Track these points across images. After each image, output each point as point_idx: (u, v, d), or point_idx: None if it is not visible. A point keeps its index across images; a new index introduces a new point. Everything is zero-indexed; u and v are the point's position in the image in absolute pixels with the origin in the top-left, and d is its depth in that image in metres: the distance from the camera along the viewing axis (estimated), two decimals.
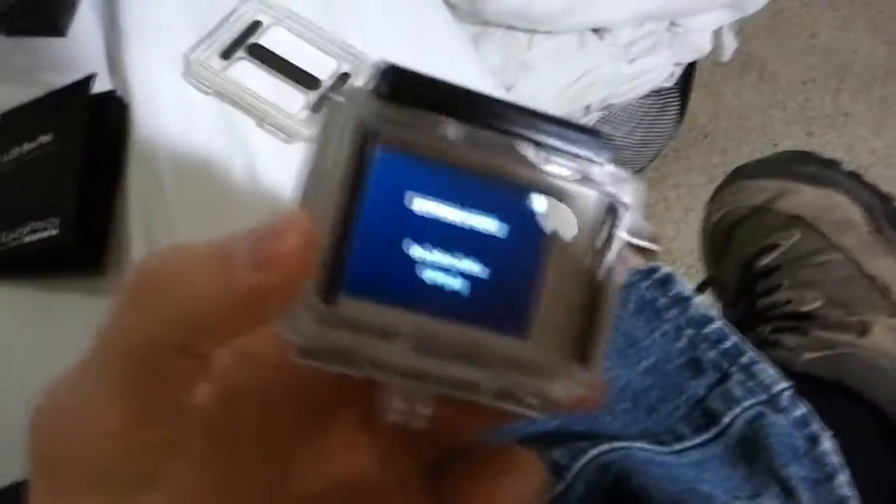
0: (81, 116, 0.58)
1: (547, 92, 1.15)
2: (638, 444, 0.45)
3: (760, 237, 0.64)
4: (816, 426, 0.44)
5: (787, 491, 0.41)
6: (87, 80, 0.59)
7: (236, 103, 0.61)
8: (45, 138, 0.58)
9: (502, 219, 0.22)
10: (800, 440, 0.44)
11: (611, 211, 0.22)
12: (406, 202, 0.21)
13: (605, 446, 0.44)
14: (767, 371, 0.47)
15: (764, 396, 0.46)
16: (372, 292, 0.21)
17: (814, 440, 0.44)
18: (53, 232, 0.53)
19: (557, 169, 0.22)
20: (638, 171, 1.48)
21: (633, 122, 1.34)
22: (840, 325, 0.51)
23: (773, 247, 0.62)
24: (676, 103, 1.40)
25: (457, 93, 0.21)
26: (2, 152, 0.59)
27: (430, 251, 0.21)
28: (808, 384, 0.48)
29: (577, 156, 0.22)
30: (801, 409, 0.45)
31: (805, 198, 0.65)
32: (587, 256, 0.22)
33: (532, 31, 1.17)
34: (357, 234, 0.21)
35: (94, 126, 0.58)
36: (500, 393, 0.22)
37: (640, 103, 1.32)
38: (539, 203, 0.22)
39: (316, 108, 0.60)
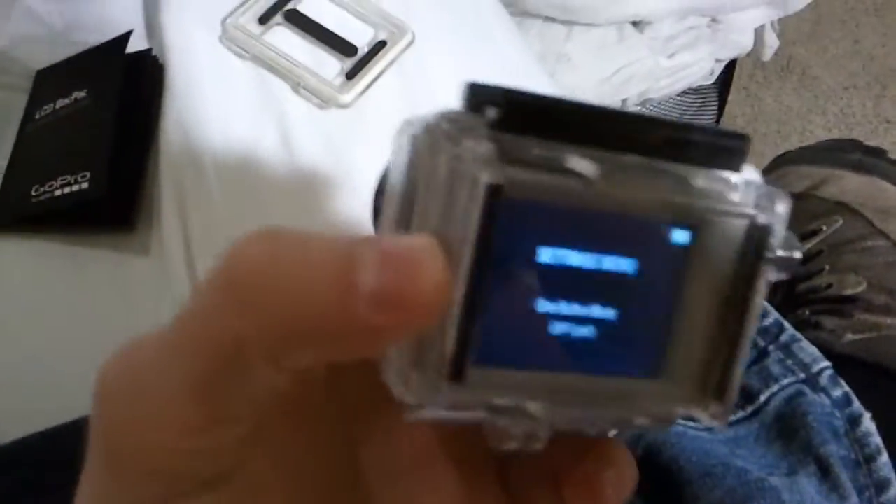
0: (117, 74, 0.57)
1: (584, 85, 1.14)
2: None
3: (803, 223, 0.62)
4: (857, 406, 0.43)
5: (825, 469, 0.40)
6: (124, 38, 0.59)
7: (272, 68, 0.60)
8: (79, 94, 0.57)
9: (638, 256, 0.20)
10: (839, 420, 0.42)
11: (757, 234, 0.20)
12: (534, 255, 0.19)
13: None
14: (807, 350, 0.45)
15: (803, 375, 0.44)
16: (500, 359, 0.19)
17: (854, 420, 0.42)
18: (84, 186, 0.52)
19: (700, 192, 0.20)
20: None
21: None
22: (884, 308, 0.50)
23: (816, 232, 0.60)
24: (715, 102, 1.38)
25: (580, 113, 0.19)
26: (36, 108, 0.59)
27: (559, 303, 0.19)
28: (849, 366, 0.46)
29: (719, 171, 0.20)
30: (842, 389, 0.43)
31: (849, 184, 0.63)
32: (728, 284, 0.20)
33: (571, 23, 1.15)
34: (486, 300, 0.18)
35: (129, 84, 0.57)
36: (620, 422, 0.21)
37: (678, 100, 1.30)
38: (680, 236, 0.20)
39: (351, 74, 0.60)
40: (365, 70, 0.60)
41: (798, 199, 0.65)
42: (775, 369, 0.45)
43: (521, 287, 0.19)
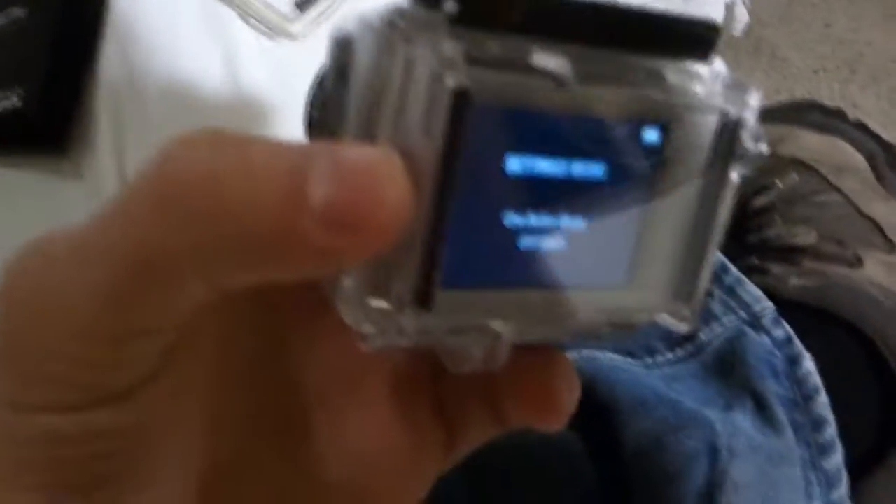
0: None
1: None
2: (608, 355, 0.42)
3: (757, 179, 0.61)
4: (798, 347, 0.42)
5: (761, 405, 0.39)
6: None
7: None
8: (17, 12, 0.55)
9: (608, 160, 0.18)
10: (779, 360, 0.41)
11: (729, 129, 0.19)
12: (502, 165, 0.17)
13: (573, 354, 0.42)
14: (751, 292, 0.44)
15: (745, 315, 0.43)
16: (467, 281, 0.18)
17: (794, 361, 0.41)
18: (16, 102, 0.50)
19: (671, 88, 0.18)
20: None
21: None
22: (833, 256, 0.49)
23: (770, 187, 0.59)
24: None
25: (545, 3, 0.17)
26: None
27: (528, 216, 0.18)
28: (793, 310, 0.46)
29: (690, 62, 0.18)
30: (784, 330, 0.43)
31: (807, 142, 0.62)
32: (699, 183, 0.19)
33: None
34: (454, 218, 0.16)
35: (69, 3, 0.55)
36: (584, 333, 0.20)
37: None
38: (651, 135, 0.19)
39: (302, 5, 0.58)
40: (317, 0, 0.58)
41: None
42: (717, 309, 0.44)
43: (490, 201, 0.17)
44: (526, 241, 0.18)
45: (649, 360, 0.43)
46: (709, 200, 0.19)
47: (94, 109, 0.55)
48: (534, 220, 0.18)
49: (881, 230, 0.53)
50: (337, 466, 0.21)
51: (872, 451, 0.43)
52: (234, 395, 0.20)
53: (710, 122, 0.19)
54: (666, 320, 0.20)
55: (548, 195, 0.18)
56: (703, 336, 0.43)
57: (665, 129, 0.19)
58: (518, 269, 0.18)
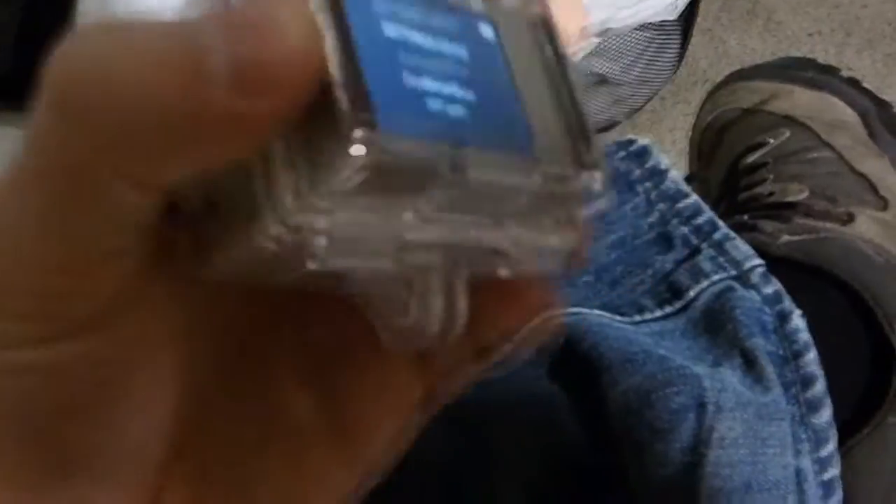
0: None
1: None
2: (596, 312, 0.42)
3: (749, 136, 0.61)
4: (787, 303, 0.41)
5: (750, 362, 0.38)
6: None
7: None
8: None
9: (466, 45, 0.19)
10: (769, 316, 0.41)
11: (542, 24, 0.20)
12: (383, 30, 0.17)
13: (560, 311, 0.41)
14: (740, 248, 0.44)
15: (734, 272, 0.43)
16: (400, 126, 0.16)
17: (783, 317, 0.41)
18: None
19: None
20: (635, 111, 1.44)
21: (631, 55, 1.30)
22: (824, 213, 0.48)
23: (762, 144, 0.59)
24: (677, 41, 1.36)
25: None
26: None
27: (422, 79, 0.17)
28: (784, 267, 0.45)
29: None
30: (773, 287, 0.42)
31: (799, 99, 0.61)
32: (539, 60, 0.20)
33: None
34: (361, 61, 0.16)
35: None
36: (522, 253, 0.18)
37: (640, 36, 1.28)
38: (487, 31, 0.19)
39: None
40: None
41: (747, 113, 0.63)
42: (706, 266, 0.43)
43: (387, 56, 0.17)
44: (433, 104, 0.17)
45: (637, 318, 0.42)
46: (557, 73, 0.19)
47: None
48: (428, 83, 0.17)
49: (873, 187, 0.52)
50: (313, 407, 0.21)
51: (862, 408, 0.43)
52: (211, 333, 0.20)
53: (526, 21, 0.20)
54: (581, 186, 0.19)
55: (431, 65, 0.18)
56: (691, 292, 0.42)
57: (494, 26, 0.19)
58: (436, 129, 0.17)
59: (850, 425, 0.42)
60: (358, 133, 0.15)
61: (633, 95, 1.39)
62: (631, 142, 0.48)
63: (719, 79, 1.59)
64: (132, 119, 0.14)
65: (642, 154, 0.47)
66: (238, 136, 0.14)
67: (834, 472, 0.38)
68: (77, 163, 0.14)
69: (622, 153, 0.48)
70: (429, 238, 0.17)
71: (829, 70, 0.65)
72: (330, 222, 0.16)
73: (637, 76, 1.34)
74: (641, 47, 1.30)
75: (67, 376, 0.16)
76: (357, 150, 0.15)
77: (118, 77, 0.14)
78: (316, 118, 0.15)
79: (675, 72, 1.42)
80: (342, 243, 0.16)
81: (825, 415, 0.39)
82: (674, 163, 1.45)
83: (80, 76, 0.14)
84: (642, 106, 1.44)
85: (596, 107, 1.37)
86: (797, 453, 0.38)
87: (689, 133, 1.52)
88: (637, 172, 0.47)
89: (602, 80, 1.31)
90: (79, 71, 0.14)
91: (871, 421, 0.42)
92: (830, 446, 0.38)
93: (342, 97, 0.15)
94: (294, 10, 0.14)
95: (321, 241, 0.16)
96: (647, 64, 1.34)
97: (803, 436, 0.38)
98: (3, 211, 0.15)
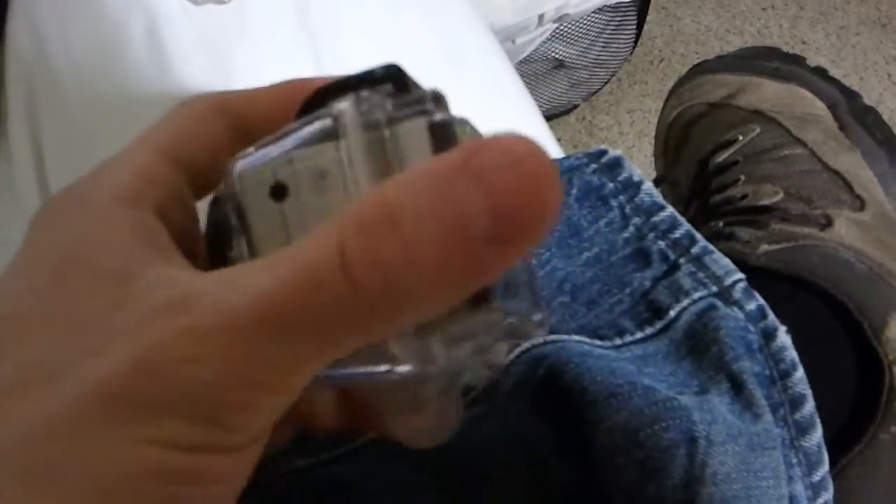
0: None
1: (501, 1, 1.08)
2: (575, 338, 0.40)
3: (718, 133, 0.59)
4: (772, 320, 0.40)
5: (738, 386, 0.37)
6: None
7: None
8: None
9: None
10: (753, 335, 0.39)
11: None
12: None
13: (538, 339, 0.39)
14: (720, 262, 0.42)
15: (715, 288, 0.41)
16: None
17: (769, 335, 0.39)
18: None
19: None
20: (593, 94, 1.42)
21: (588, 38, 1.28)
22: (801, 217, 0.47)
23: (732, 142, 0.57)
24: (633, 21, 1.34)
25: None
26: None
27: None
28: (764, 278, 0.43)
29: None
30: (756, 302, 0.40)
31: (767, 92, 0.60)
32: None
33: None
34: None
35: None
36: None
37: (596, 18, 1.26)
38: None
39: None
40: None
41: (714, 108, 0.62)
42: (686, 283, 0.41)
43: None
44: None
45: (618, 341, 0.40)
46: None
47: (3, 87, 0.50)
48: None
49: (848, 185, 0.51)
50: None
51: (851, 425, 0.42)
52: None
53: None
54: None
55: None
56: (672, 312, 0.41)
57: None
58: None
59: (839, 444, 0.41)
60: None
61: (590, 78, 1.37)
62: (602, 153, 0.46)
63: (675, 57, 1.58)
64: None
65: (614, 166, 0.45)
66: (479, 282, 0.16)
67: (827, 496, 0.37)
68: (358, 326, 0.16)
69: (593, 166, 0.46)
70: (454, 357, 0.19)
71: (796, 59, 0.63)
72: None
73: (594, 59, 1.32)
74: (598, 30, 1.28)
75: (201, 485, 0.18)
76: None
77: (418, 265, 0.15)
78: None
79: (631, 52, 1.40)
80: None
81: (815, 437, 0.37)
82: (633, 144, 1.44)
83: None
84: (600, 88, 1.43)
85: (554, 91, 1.35)
86: (789, 480, 0.36)
87: (647, 114, 1.51)
88: (610, 186, 0.45)
89: (559, 65, 1.29)
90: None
91: (861, 438, 0.41)
92: (823, 469, 0.37)
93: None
94: (537, 152, 0.15)
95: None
96: (604, 46, 1.32)
97: (794, 460, 0.37)
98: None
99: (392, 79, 0.19)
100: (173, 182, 0.23)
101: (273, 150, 0.19)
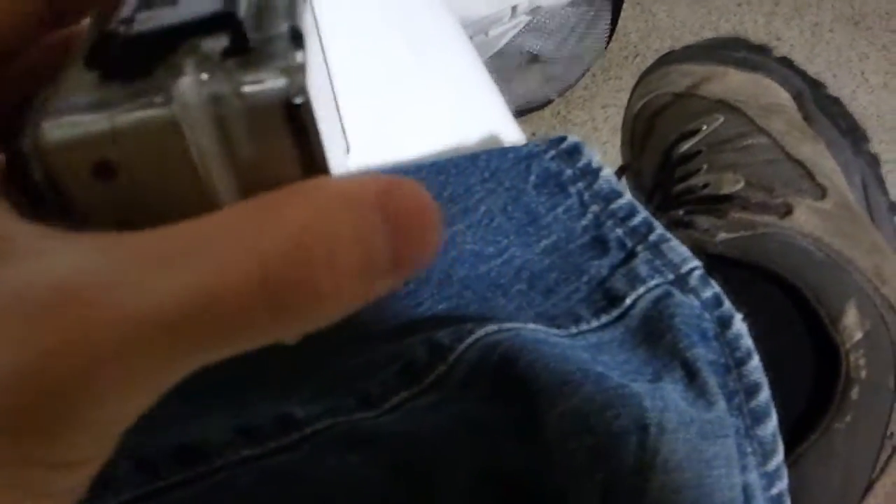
0: None
1: None
2: (530, 326, 0.39)
3: (682, 123, 0.59)
4: (728, 307, 0.39)
5: (692, 374, 0.36)
6: None
7: None
8: None
9: None
10: (709, 322, 0.39)
11: None
12: None
13: (493, 327, 0.39)
14: (677, 249, 0.41)
15: (671, 276, 0.41)
16: None
17: (724, 322, 0.39)
18: None
19: None
20: (568, 88, 1.42)
21: (562, 32, 1.27)
22: (761, 206, 0.46)
23: (695, 132, 0.57)
24: (608, 16, 1.34)
25: None
26: None
27: None
28: (722, 265, 0.43)
29: None
30: (712, 290, 0.40)
31: (732, 82, 0.59)
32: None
33: None
34: None
35: None
36: None
37: (570, 12, 1.26)
38: None
39: None
40: None
41: (679, 98, 0.61)
42: (643, 270, 0.41)
43: None
44: None
45: (574, 329, 0.40)
46: None
47: None
48: None
49: (810, 174, 0.51)
50: None
51: (807, 414, 0.41)
52: None
53: None
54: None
55: None
56: (628, 300, 0.40)
57: None
58: None
59: (795, 433, 0.41)
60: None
61: (565, 72, 1.37)
62: (561, 139, 0.46)
63: (650, 52, 1.58)
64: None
65: (573, 152, 0.45)
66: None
67: (781, 485, 0.36)
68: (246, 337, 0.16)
69: (552, 152, 0.45)
70: None
71: (762, 49, 0.63)
72: None
73: (569, 52, 1.32)
74: (572, 23, 1.28)
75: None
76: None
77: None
78: None
79: (606, 46, 1.40)
80: None
81: (770, 425, 0.37)
82: (607, 140, 1.44)
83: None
84: (575, 83, 1.43)
85: (528, 86, 1.34)
86: (743, 469, 0.36)
87: (622, 109, 1.51)
88: (568, 172, 0.44)
89: (534, 59, 1.29)
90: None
91: (817, 427, 0.40)
92: (777, 458, 0.37)
93: None
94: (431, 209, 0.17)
95: None
96: (579, 40, 1.32)
97: (748, 449, 0.37)
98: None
99: (224, 27, 0.17)
100: None
101: (84, 113, 0.16)
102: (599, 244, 0.43)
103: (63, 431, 0.15)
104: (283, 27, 0.18)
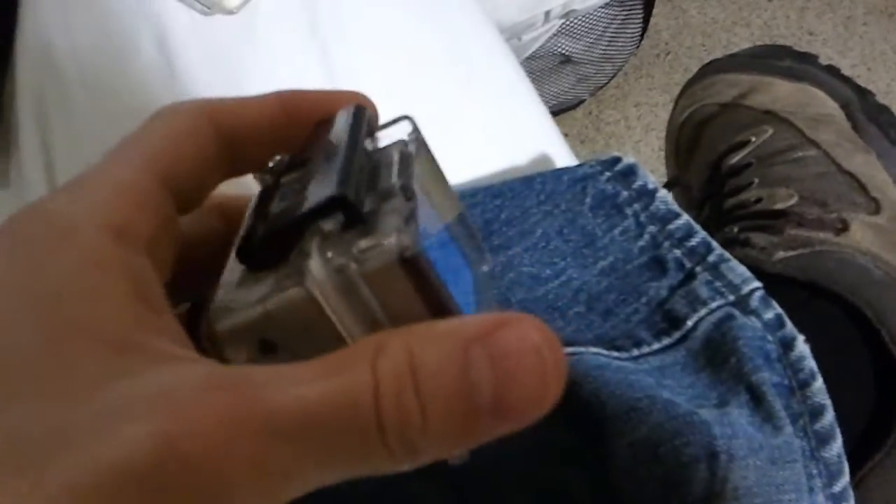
0: None
1: None
2: (592, 350, 0.40)
3: (730, 134, 0.59)
4: (790, 329, 0.39)
5: (757, 398, 0.37)
6: None
7: None
8: None
9: None
10: (772, 344, 0.39)
11: None
12: None
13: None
14: (736, 270, 0.42)
15: (732, 297, 0.41)
16: None
17: (787, 344, 0.39)
18: None
19: None
20: (600, 88, 1.42)
21: (594, 33, 1.27)
22: (817, 222, 0.46)
23: (744, 144, 0.57)
24: (640, 15, 1.33)
25: None
26: None
27: None
28: (780, 285, 0.43)
29: None
30: (774, 311, 0.40)
31: (779, 92, 0.59)
32: None
33: None
34: None
35: None
36: None
37: (602, 13, 1.25)
38: None
39: None
40: None
41: (726, 108, 0.61)
42: (703, 292, 0.41)
43: None
44: None
45: (635, 352, 0.40)
46: None
47: (15, 106, 0.50)
48: None
49: (863, 187, 0.51)
50: None
51: (871, 434, 0.41)
52: None
53: None
54: None
55: None
56: (689, 322, 0.41)
57: None
58: None
59: (859, 453, 0.41)
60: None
61: (597, 73, 1.36)
62: (616, 161, 0.46)
63: (682, 50, 1.57)
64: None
65: (628, 174, 0.45)
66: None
67: None
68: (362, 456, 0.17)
69: (607, 174, 0.45)
70: None
71: (807, 58, 0.63)
72: None
73: (600, 53, 1.32)
74: (604, 24, 1.28)
75: None
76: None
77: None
78: None
79: (637, 46, 1.40)
80: None
81: (835, 447, 0.37)
82: (640, 139, 1.43)
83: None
84: (607, 83, 1.42)
85: (561, 86, 1.34)
86: (810, 490, 0.36)
87: (654, 108, 1.50)
88: (624, 194, 0.45)
89: (566, 60, 1.28)
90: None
91: (881, 447, 0.40)
92: (843, 480, 0.37)
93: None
94: (548, 346, 0.17)
95: None
96: (611, 40, 1.32)
97: (815, 471, 0.37)
98: None
99: (339, 207, 0.19)
100: (164, 209, 0.21)
101: (241, 303, 0.20)
102: (657, 265, 0.43)
103: None
104: (394, 183, 0.21)
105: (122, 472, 0.15)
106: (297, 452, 0.16)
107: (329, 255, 0.19)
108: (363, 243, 0.18)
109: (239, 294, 0.20)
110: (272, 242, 0.20)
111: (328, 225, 0.19)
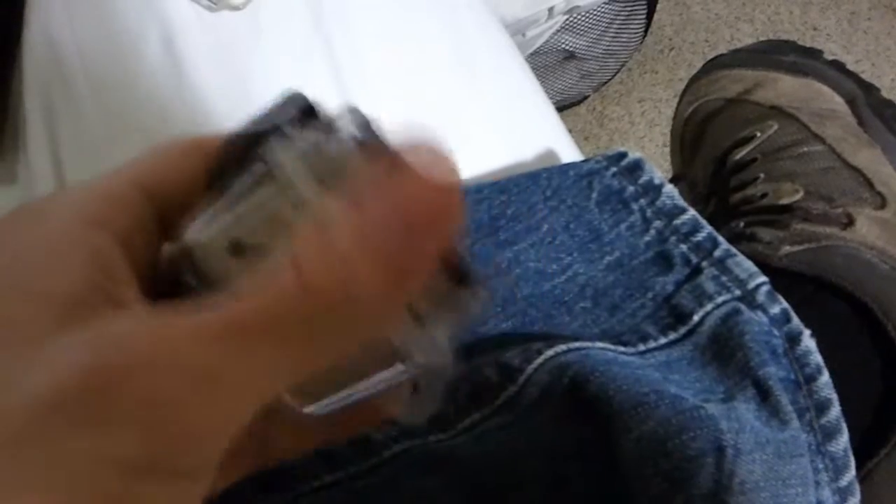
0: None
1: None
2: (598, 345, 0.40)
3: (735, 130, 0.59)
4: (796, 323, 0.39)
5: (764, 392, 0.37)
6: None
7: None
8: None
9: None
10: (778, 339, 0.39)
11: None
12: None
13: (562, 346, 0.39)
14: (743, 265, 0.42)
15: (738, 292, 0.41)
16: None
17: (793, 339, 0.39)
18: None
19: None
20: (603, 84, 1.42)
21: (598, 29, 1.27)
22: (823, 217, 0.46)
23: (749, 139, 0.57)
24: (643, 11, 1.33)
25: None
26: None
27: None
28: (786, 280, 0.43)
29: None
30: (780, 306, 0.40)
31: (784, 87, 0.59)
32: None
33: None
34: None
35: None
36: None
37: (606, 9, 1.25)
38: None
39: None
40: None
41: (731, 104, 0.61)
42: (709, 287, 0.41)
43: None
44: None
45: (642, 347, 0.40)
46: None
47: (23, 105, 0.50)
48: None
49: (868, 182, 0.51)
50: None
51: (877, 429, 0.41)
52: None
53: None
54: None
55: None
56: (695, 316, 0.41)
57: None
58: None
59: (865, 447, 0.41)
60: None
61: (600, 69, 1.36)
62: (622, 156, 0.46)
63: (685, 45, 1.57)
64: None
65: (634, 169, 0.45)
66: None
67: (854, 501, 0.37)
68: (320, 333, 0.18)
69: (613, 169, 0.45)
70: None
71: (812, 53, 0.63)
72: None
73: (604, 49, 1.32)
74: (608, 20, 1.28)
75: None
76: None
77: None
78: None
79: (641, 42, 1.39)
80: None
81: (842, 441, 0.37)
82: (644, 134, 1.43)
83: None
84: (611, 78, 1.42)
85: (565, 82, 1.34)
86: (816, 485, 0.36)
87: (658, 103, 1.50)
88: (630, 189, 0.45)
89: (569, 56, 1.28)
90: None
91: (887, 442, 0.40)
92: (849, 474, 0.37)
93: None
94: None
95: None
96: (614, 36, 1.32)
97: (821, 465, 0.37)
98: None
99: (297, 106, 0.20)
100: (140, 210, 0.22)
101: (216, 213, 0.20)
102: (664, 260, 0.43)
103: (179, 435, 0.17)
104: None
105: (50, 397, 0.16)
106: (233, 354, 0.17)
107: (292, 143, 0.20)
108: (322, 135, 0.20)
109: (205, 216, 0.21)
110: (237, 151, 0.21)
111: (287, 128, 0.20)
